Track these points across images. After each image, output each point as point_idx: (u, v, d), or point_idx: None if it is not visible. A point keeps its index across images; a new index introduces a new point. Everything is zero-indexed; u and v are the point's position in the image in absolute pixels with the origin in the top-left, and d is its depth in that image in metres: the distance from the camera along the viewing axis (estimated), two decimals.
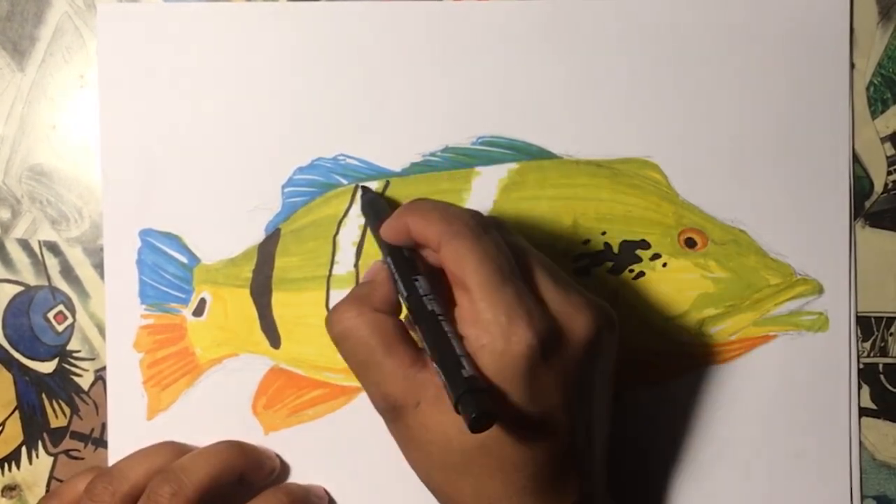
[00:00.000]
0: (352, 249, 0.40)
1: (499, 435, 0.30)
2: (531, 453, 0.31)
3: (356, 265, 0.40)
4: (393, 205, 0.38)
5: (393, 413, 0.32)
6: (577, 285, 0.33)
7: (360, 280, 0.35)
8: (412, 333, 0.33)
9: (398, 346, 0.32)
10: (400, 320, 0.33)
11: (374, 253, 0.40)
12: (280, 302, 0.40)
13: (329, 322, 0.33)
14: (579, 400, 0.32)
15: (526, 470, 0.31)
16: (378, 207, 0.38)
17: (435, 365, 0.30)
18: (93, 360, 0.41)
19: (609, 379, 0.34)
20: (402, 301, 0.33)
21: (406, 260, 0.34)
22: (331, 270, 0.40)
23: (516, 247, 0.33)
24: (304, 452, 0.40)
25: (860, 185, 0.40)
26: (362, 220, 0.40)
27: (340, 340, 0.33)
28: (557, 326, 0.31)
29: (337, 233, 0.40)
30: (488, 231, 0.32)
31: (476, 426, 0.28)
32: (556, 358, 0.31)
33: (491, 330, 0.30)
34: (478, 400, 0.28)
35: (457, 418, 0.29)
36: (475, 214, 0.33)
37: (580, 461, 0.32)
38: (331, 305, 0.40)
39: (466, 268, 0.31)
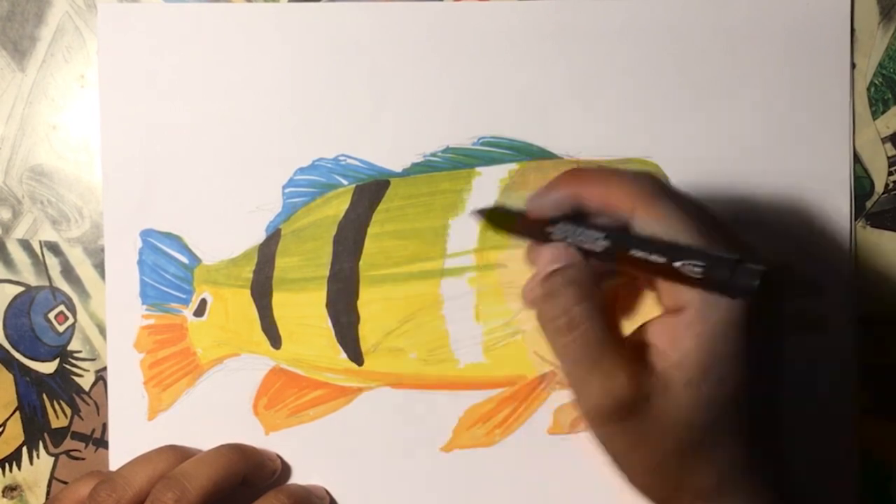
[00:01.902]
0: (352, 250, 0.40)
1: (728, 391, 0.30)
2: (744, 402, 0.30)
3: (356, 265, 0.40)
4: (508, 208, 0.35)
5: (623, 412, 0.30)
6: None
7: (537, 270, 0.32)
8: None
9: (621, 338, 0.31)
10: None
11: (374, 253, 0.40)
12: (281, 302, 0.40)
13: (546, 314, 0.31)
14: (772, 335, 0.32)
15: (743, 420, 0.31)
16: (502, 209, 0.36)
17: (689, 267, 0.29)
18: (93, 360, 0.41)
19: None
20: (602, 251, 0.31)
21: (575, 217, 0.32)
22: (331, 271, 0.40)
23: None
24: (305, 453, 0.40)
25: (861, 185, 0.40)
26: (362, 221, 0.40)
27: (566, 331, 0.30)
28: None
29: (337, 233, 0.40)
30: (671, 190, 0.32)
31: (764, 278, 0.28)
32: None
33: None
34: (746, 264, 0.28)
35: (691, 398, 0.29)
36: (651, 176, 0.32)
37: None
38: (331, 306, 0.40)
39: (678, 225, 0.30)
